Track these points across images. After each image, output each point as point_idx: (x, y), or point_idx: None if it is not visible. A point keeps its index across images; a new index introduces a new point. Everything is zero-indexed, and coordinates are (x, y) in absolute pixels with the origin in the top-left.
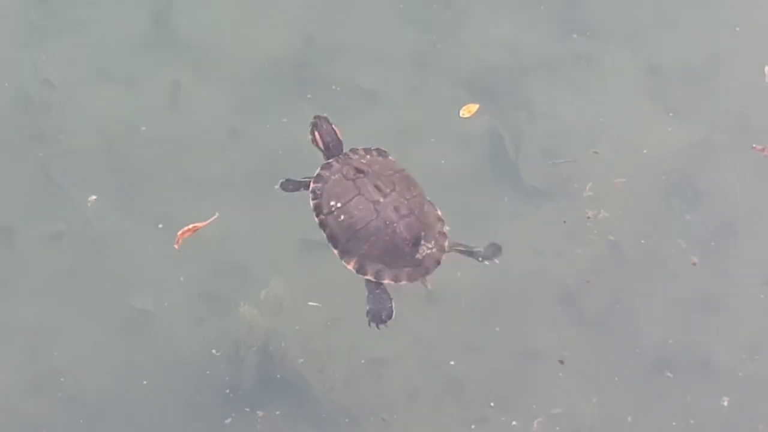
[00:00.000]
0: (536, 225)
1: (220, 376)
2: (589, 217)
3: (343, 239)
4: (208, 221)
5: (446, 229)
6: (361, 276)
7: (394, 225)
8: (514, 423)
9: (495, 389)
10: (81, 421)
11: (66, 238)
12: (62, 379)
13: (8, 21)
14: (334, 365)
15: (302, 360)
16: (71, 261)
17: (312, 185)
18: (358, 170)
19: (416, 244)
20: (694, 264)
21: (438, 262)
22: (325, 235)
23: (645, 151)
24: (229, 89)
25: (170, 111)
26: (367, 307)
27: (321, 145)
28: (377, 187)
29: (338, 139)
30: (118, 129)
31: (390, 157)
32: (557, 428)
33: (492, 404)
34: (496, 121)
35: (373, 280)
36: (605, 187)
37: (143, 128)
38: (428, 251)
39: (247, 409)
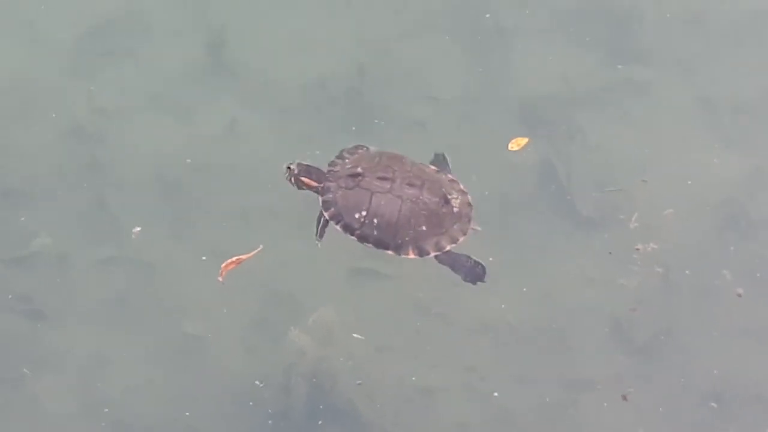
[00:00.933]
0: (587, 254)
1: (271, 403)
2: (638, 249)
3: (389, 237)
4: (252, 253)
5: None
6: (427, 257)
7: (420, 197)
8: None
9: (544, 420)
10: None
11: (118, 265)
12: (112, 406)
13: (63, 49)
14: (385, 393)
15: (360, 382)
16: (122, 288)
17: (327, 214)
18: (353, 175)
19: (446, 201)
20: (739, 295)
21: (470, 205)
22: (371, 245)
23: (695, 182)
24: (280, 119)
25: (222, 140)
26: (461, 276)
27: (312, 183)
28: (382, 178)
29: (316, 168)
30: (170, 158)
31: (366, 148)
32: None
33: None
34: (548, 151)
35: (439, 253)
36: (655, 217)
37: (195, 157)
38: (458, 201)
39: None
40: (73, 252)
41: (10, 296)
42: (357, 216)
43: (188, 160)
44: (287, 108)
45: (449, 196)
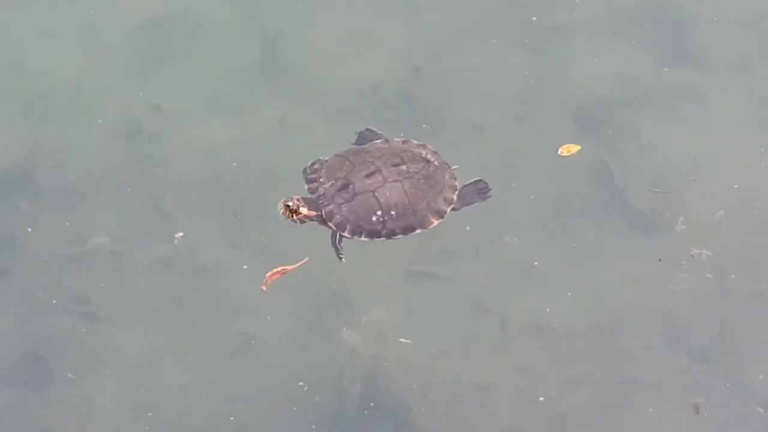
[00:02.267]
0: (641, 256)
1: (324, 403)
2: (693, 255)
3: (411, 219)
4: (297, 265)
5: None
6: (452, 212)
7: (410, 170)
8: None
9: (598, 422)
10: None
11: (172, 265)
12: (165, 405)
13: (120, 50)
14: (438, 394)
15: (415, 385)
16: (176, 287)
17: (347, 233)
18: (344, 187)
19: (427, 160)
20: None
21: (436, 152)
22: (401, 235)
23: (746, 184)
24: (334, 120)
25: (275, 141)
26: (478, 202)
27: (313, 213)
28: (369, 174)
29: (309, 198)
30: (224, 157)
31: (322, 160)
32: None
33: None
34: (601, 152)
35: (452, 205)
36: (706, 220)
37: (249, 157)
38: (431, 155)
39: None
40: (128, 251)
41: (66, 295)
42: (374, 219)
43: (234, 164)
44: (341, 110)
45: (425, 155)
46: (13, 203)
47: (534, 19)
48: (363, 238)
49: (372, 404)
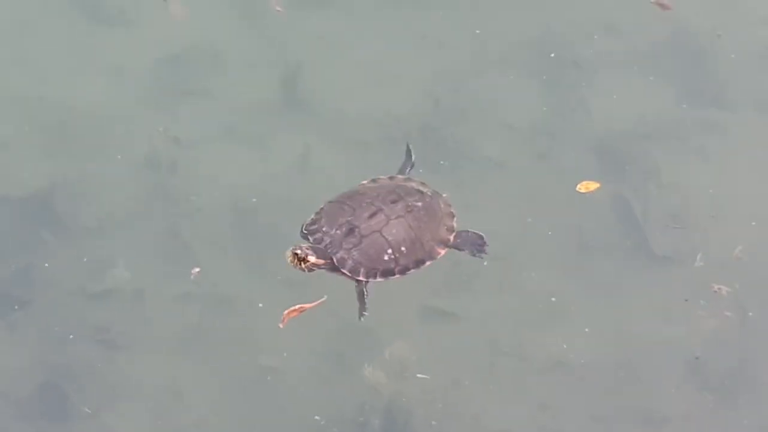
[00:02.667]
0: (662, 292)
1: None
2: (715, 291)
3: (421, 252)
4: (315, 303)
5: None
6: (452, 245)
7: (408, 204)
8: None
9: None
10: None
11: (192, 297)
12: None
13: (141, 82)
14: (459, 431)
15: (434, 421)
16: (196, 319)
17: (362, 276)
18: (350, 232)
19: (421, 192)
20: None
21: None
22: (413, 270)
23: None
24: (354, 152)
25: (297, 173)
26: (469, 252)
27: (321, 262)
28: (372, 215)
29: (317, 247)
30: (244, 190)
31: (332, 201)
32: None
33: None
34: (622, 188)
35: (453, 234)
36: (726, 256)
37: (268, 189)
38: (422, 186)
39: None
40: (148, 283)
41: (86, 327)
42: (386, 258)
43: (253, 199)
44: (361, 142)
45: (417, 187)
46: (35, 234)
47: (552, 55)
48: (379, 279)
49: None
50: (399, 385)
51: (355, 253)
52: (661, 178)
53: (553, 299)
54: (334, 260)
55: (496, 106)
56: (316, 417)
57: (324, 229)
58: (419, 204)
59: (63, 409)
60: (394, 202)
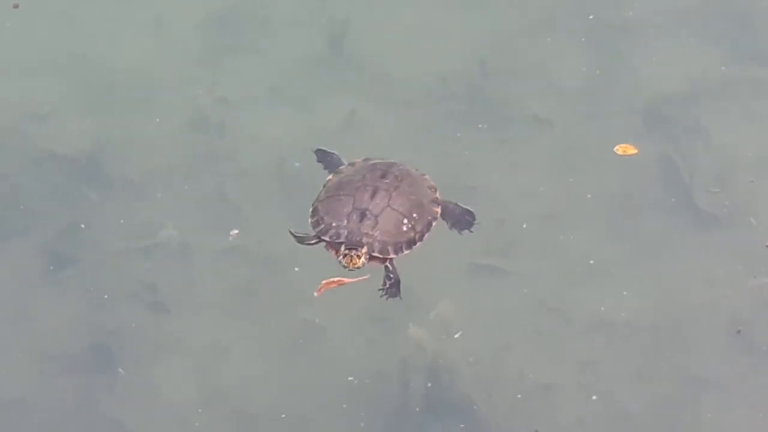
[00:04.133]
0: (708, 253)
1: (388, 397)
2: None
3: (429, 213)
4: (357, 279)
5: None
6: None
7: (397, 174)
8: None
9: (662, 418)
10: None
11: (238, 255)
12: (230, 394)
13: (187, 41)
14: (503, 389)
15: (478, 380)
16: (242, 277)
17: (392, 252)
18: (361, 215)
19: (395, 163)
20: None
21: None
22: (428, 232)
23: None
24: (399, 112)
25: (341, 132)
26: (449, 224)
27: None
28: (372, 195)
29: (354, 240)
30: (290, 148)
31: (321, 199)
32: None
33: None
34: (669, 149)
35: (442, 213)
36: None
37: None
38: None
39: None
40: (193, 243)
41: (133, 285)
42: (405, 229)
43: (297, 164)
44: (407, 101)
45: (385, 160)
46: (81, 192)
47: (590, 17)
48: (405, 251)
49: (435, 398)
50: (443, 345)
51: (376, 233)
52: (708, 139)
53: (601, 259)
54: (367, 244)
55: (542, 66)
56: (350, 378)
57: (334, 224)
58: (402, 172)
59: (111, 366)
60: (383, 176)
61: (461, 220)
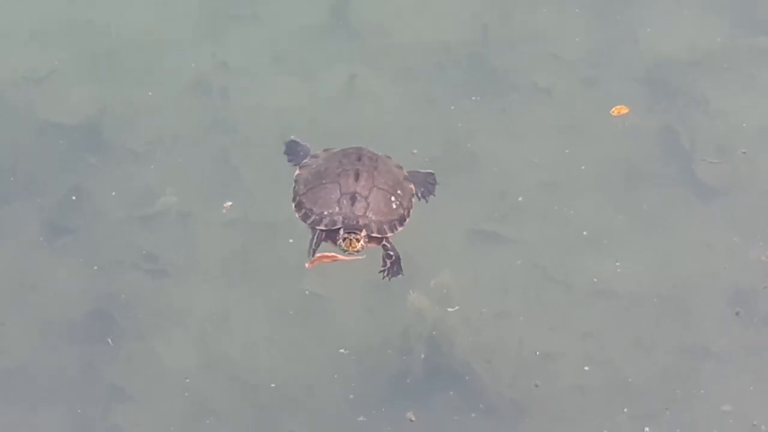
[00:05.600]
0: (708, 222)
1: (389, 364)
2: None
3: (407, 189)
4: (351, 258)
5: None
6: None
7: (369, 156)
8: (685, 420)
9: (662, 387)
10: (251, 402)
11: (239, 223)
12: (232, 362)
13: (189, 8)
14: (502, 357)
15: (479, 347)
16: (244, 246)
17: (382, 234)
18: (352, 199)
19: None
20: None
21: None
22: (411, 210)
23: None
24: (402, 80)
25: (343, 100)
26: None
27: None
28: (356, 176)
29: (351, 224)
30: (293, 117)
31: (304, 193)
32: (730, 425)
33: (661, 401)
34: (671, 117)
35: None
36: None
37: (316, 116)
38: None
39: (414, 399)
40: (196, 210)
41: (135, 252)
42: (395, 206)
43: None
44: (409, 70)
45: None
46: (83, 160)
47: None
48: (399, 229)
49: (436, 366)
50: (444, 313)
51: (371, 214)
52: (709, 108)
53: (602, 228)
54: (364, 226)
55: (544, 34)
56: (341, 350)
57: (327, 212)
58: (372, 153)
59: (112, 334)
60: (358, 159)
61: (426, 186)
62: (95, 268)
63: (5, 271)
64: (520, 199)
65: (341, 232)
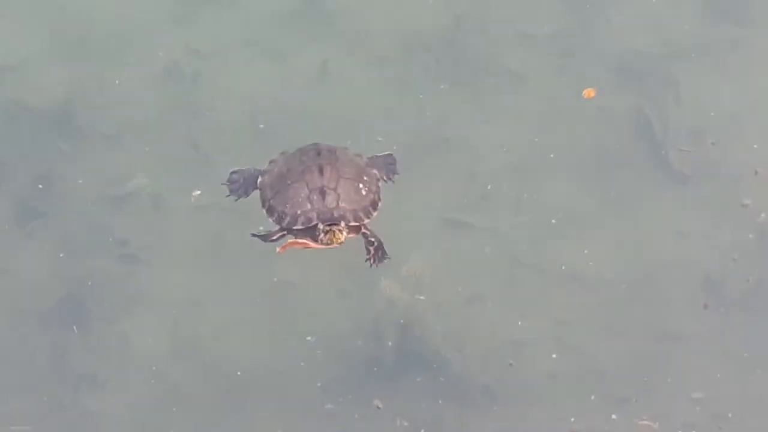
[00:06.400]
0: (680, 208)
1: (360, 351)
2: (743, 205)
3: (372, 176)
4: (324, 246)
5: None
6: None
7: (328, 149)
8: (655, 406)
9: (635, 372)
10: (222, 387)
11: (211, 208)
12: (203, 347)
13: None
14: (474, 343)
15: (450, 334)
16: (215, 231)
17: (358, 221)
18: (320, 193)
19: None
20: None
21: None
22: (380, 194)
23: None
24: (374, 65)
25: (315, 85)
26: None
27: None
28: (319, 171)
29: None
30: (265, 102)
31: (274, 198)
32: (699, 412)
33: (632, 387)
34: (642, 103)
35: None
36: (746, 172)
37: (288, 100)
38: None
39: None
40: (167, 194)
41: (106, 236)
42: (364, 193)
43: (261, 125)
44: (381, 55)
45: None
46: (53, 144)
47: None
48: (374, 214)
49: (406, 353)
50: (414, 300)
51: (343, 204)
52: (680, 94)
53: (567, 214)
54: (340, 223)
55: (516, 19)
56: (308, 338)
57: (299, 211)
58: (329, 146)
59: (82, 319)
60: (318, 153)
61: (387, 167)
62: (66, 253)
63: None
64: (491, 183)
65: (320, 226)
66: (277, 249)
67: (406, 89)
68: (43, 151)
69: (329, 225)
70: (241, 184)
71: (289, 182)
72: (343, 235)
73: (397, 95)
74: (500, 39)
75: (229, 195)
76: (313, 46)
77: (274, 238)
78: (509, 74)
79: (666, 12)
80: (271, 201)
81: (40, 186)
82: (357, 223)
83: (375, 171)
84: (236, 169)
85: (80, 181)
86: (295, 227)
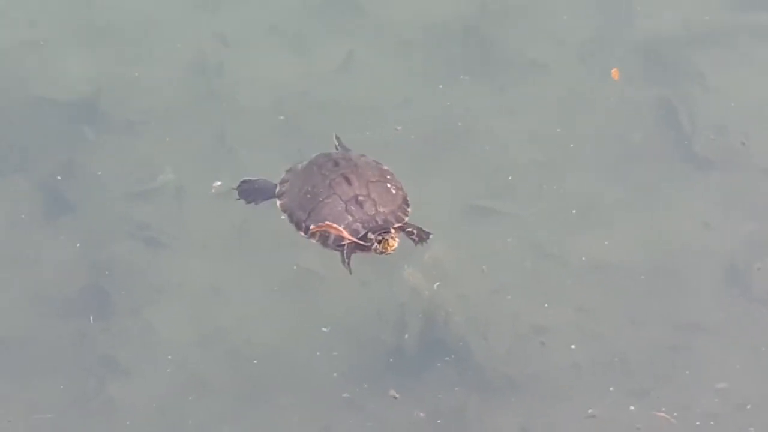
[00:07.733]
0: (704, 197)
1: (384, 340)
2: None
3: (392, 176)
4: (346, 234)
5: None
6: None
7: (342, 156)
8: (675, 397)
9: (656, 362)
10: (246, 376)
11: (235, 197)
12: (226, 335)
13: None
14: (497, 332)
15: (474, 322)
16: (239, 220)
17: (399, 222)
18: (357, 202)
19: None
20: None
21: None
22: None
23: None
24: (399, 55)
25: (339, 74)
26: None
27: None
28: (345, 181)
29: (377, 226)
30: (289, 91)
31: (309, 215)
32: (722, 403)
33: (652, 378)
34: (667, 93)
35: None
36: None
37: (312, 90)
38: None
39: (409, 374)
40: (191, 185)
41: (129, 226)
42: (394, 192)
43: (281, 117)
44: (406, 44)
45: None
46: (80, 135)
47: None
48: (410, 209)
49: (429, 341)
50: (440, 287)
51: (382, 209)
52: (706, 83)
53: (598, 202)
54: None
55: (541, 9)
56: (324, 329)
57: (342, 226)
58: (342, 153)
59: (107, 308)
60: (336, 164)
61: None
62: (89, 241)
63: (1, 243)
64: (515, 174)
65: (371, 236)
66: (312, 226)
67: (431, 79)
68: (68, 139)
69: (381, 234)
70: (252, 193)
71: (320, 199)
72: (396, 241)
73: (421, 85)
74: (525, 29)
75: (239, 199)
76: (337, 35)
77: (347, 260)
78: (533, 64)
79: (692, 1)
80: (308, 222)
81: (65, 175)
82: (399, 224)
83: (387, 168)
84: (247, 179)
85: (105, 171)
86: (350, 238)
